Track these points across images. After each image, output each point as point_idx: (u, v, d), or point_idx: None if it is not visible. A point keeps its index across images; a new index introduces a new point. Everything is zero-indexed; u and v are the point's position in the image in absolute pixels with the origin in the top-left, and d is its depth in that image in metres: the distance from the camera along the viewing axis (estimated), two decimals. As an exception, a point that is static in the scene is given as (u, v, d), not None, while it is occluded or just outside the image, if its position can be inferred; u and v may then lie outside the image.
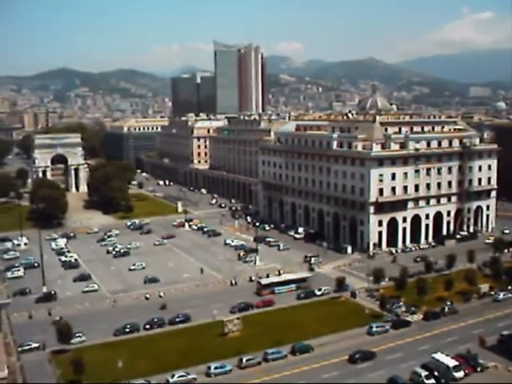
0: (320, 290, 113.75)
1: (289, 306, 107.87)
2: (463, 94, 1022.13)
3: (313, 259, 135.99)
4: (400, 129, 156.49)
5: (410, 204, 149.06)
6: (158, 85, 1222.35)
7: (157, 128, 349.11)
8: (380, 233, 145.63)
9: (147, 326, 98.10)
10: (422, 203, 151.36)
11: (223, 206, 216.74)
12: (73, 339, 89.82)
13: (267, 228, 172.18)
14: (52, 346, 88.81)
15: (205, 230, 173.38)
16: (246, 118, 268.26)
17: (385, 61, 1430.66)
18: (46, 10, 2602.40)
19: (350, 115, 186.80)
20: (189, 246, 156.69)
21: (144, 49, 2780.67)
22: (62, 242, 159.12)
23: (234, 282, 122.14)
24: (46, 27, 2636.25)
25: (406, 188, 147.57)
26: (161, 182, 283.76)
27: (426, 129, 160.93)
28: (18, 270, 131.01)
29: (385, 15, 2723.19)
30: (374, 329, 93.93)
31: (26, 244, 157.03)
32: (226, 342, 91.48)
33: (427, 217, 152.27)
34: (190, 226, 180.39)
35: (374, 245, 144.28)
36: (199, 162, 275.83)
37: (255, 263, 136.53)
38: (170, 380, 77.83)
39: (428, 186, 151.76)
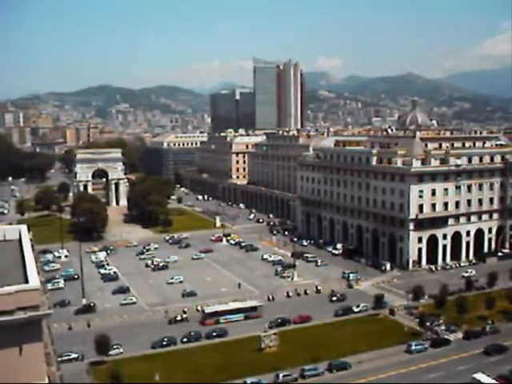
0: (358, 306, 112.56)
1: (326, 323, 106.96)
2: (505, 109, 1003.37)
3: (351, 276, 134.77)
4: (440, 144, 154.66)
5: (451, 221, 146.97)
6: (197, 101, 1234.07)
7: (196, 144, 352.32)
8: (420, 250, 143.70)
9: (184, 340, 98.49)
10: (462, 220, 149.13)
11: (261, 221, 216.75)
12: (111, 351, 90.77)
13: (305, 243, 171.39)
14: (90, 357, 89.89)
15: (242, 244, 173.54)
16: (285, 133, 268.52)
17: (425, 76, 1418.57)
18: (89, 29, 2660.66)
19: (389, 131, 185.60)
20: (226, 260, 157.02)
21: (185, 65, 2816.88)
22: (101, 254, 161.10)
23: (271, 297, 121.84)
24: (89, 45, 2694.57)
25: (446, 204, 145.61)
26: (200, 197, 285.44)
27: (467, 144, 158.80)
28: (59, 282, 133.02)
29: (424, 31, 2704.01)
30: (413, 347, 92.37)
31: (66, 256, 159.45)
32: (263, 357, 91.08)
33: (468, 234, 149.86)
34: (227, 240, 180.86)
35: (414, 262, 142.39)
36: (238, 177, 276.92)
37: (293, 279, 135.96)
38: (207, 394, 77.82)
39: (469, 202, 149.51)
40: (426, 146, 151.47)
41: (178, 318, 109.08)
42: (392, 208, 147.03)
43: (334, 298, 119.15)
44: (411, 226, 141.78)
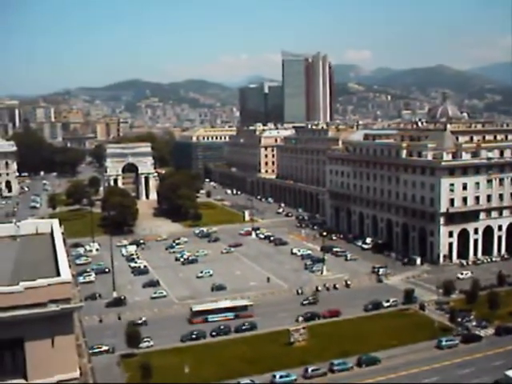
0: (388, 301, 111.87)
1: (356, 317, 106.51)
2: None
3: (381, 270, 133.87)
4: (472, 137, 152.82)
5: (482, 215, 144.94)
6: (226, 95, 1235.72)
7: (225, 137, 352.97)
8: (450, 244, 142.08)
9: (213, 333, 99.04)
10: (494, 214, 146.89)
11: (290, 215, 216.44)
12: (141, 344, 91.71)
13: (334, 238, 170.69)
14: (121, 350, 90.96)
15: (271, 238, 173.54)
16: (314, 127, 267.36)
17: (455, 68, 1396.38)
18: (119, 24, 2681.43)
19: (419, 124, 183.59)
20: (255, 254, 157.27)
21: (213, 59, 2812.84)
22: (131, 248, 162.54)
23: (300, 291, 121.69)
24: (118, 40, 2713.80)
25: (477, 198, 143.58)
26: (228, 191, 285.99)
27: (498, 137, 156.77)
28: (90, 275, 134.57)
29: (454, 21, 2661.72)
30: (444, 343, 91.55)
31: (97, 250, 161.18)
32: (292, 351, 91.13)
33: (500, 228, 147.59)
34: (256, 234, 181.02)
35: (444, 256, 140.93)
36: (266, 171, 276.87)
37: (322, 273, 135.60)
38: (236, 387, 78.20)
39: (501, 196, 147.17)
40: (457, 138, 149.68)
41: None
42: (422, 202, 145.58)
43: (305, 302, 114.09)
44: (442, 220, 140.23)
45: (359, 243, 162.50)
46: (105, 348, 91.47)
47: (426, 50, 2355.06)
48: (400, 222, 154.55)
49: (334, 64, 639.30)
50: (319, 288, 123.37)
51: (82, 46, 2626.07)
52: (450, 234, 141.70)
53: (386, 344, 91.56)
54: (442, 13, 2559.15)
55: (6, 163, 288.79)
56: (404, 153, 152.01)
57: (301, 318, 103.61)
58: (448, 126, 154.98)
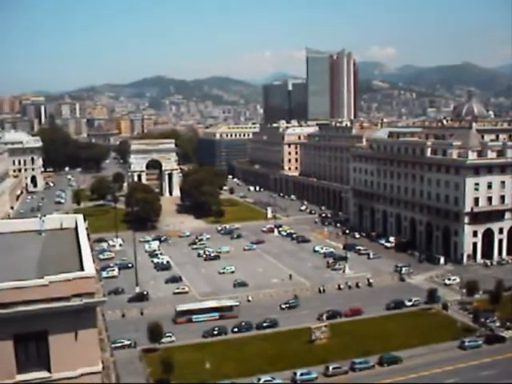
0: (410, 300, 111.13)
1: (378, 316, 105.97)
2: None
3: (404, 269, 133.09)
4: (497, 136, 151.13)
5: (508, 215, 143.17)
6: (249, 91, 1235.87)
7: (248, 135, 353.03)
8: (474, 244, 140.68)
9: (235, 329, 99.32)
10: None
11: (313, 212, 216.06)
12: (163, 339, 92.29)
13: (357, 236, 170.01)
14: (143, 344, 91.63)
15: (294, 236, 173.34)
16: (338, 124, 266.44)
17: (482, 65, 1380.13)
18: (143, 21, 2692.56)
19: (444, 122, 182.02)
20: (278, 251, 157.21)
21: (237, 56, 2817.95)
22: (154, 244, 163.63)
23: (322, 289, 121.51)
24: (143, 37, 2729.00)
25: (503, 198, 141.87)
26: (251, 188, 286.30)
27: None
28: (113, 270, 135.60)
29: (481, 18, 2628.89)
30: (467, 343, 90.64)
31: (120, 245, 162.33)
32: (313, 349, 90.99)
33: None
34: (279, 231, 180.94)
35: (468, 256, 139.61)
36: (290, 168, 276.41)
37: (344, 271, 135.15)
38: (256, 384, 78.34)
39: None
40: (483, 137, 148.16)
41: None
42: (447, 201, 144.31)
43: (284, 306, 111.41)
44: (466, 220, 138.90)
45: (382, 242, 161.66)
46: (127, 342, 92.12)
47: (451, 48, 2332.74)
48: (424, 220, 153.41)
49: (359, 61, 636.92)
50: (341, 286, 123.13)
51: (107, 43, 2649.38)
52: (475, 234, 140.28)
53: (408, 343, 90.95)
54: (468, 9, 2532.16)
55: (32, 159, 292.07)
56: (429, 151, 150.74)
57: (325, 316, 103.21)
58: (473, 124, 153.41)
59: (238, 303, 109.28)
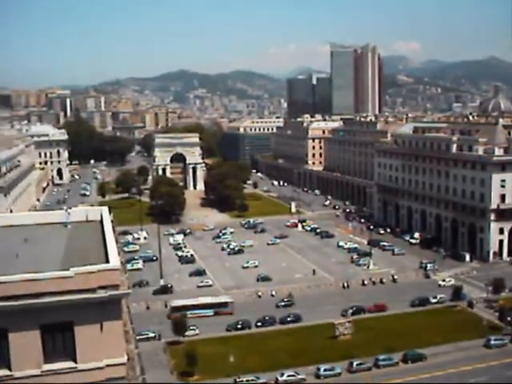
0: (435, 297, 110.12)
1: (402, 313, 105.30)
2: None
3: (428, 266, 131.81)
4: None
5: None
6: (273, 86, 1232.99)
7: (272, 129, 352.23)
8: (501, 241, 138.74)
9: (259, 324, 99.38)
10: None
11: (337, 207, 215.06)
12: (187, 332, 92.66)
13: (381, 232, 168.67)
14: (167, 337, 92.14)
15: (318, 231, 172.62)
16: (362, 119, 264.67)
17: (508, 60, 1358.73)
18: (167, 15, 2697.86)
19: (470, 117, 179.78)
20: (301, 246, 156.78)
21: (261, 50, 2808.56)
22: (179, 237, 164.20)
23: (346, 284, 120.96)
24: (168, 31, 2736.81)
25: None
26: (275, 182, 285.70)
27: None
28: (138, 263, 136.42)
29: (507, 11, 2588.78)
30: (492, 342, 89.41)
31: (145, 238, 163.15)
32: (337, 344, 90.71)
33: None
34: (303, 226, 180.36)
35: (495, 253, 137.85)
36: (313, 163, 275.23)
37: (368, 267, 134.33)
38: (280, 379, 78.32)
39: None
40: (509, 133, 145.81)
41: None
42: (472, 197, 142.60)
43: (282, 304, 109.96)
44: (492, 217, 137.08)
45: (407, 238, 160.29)
46: (151, 335, 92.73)
47: (476, 42, 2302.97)
48: (449, 217, 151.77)
49: (383, 56, 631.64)
50: (365, 282, 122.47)
51: (132, 36, 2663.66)
52: (501, 231, 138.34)
53: (433, 341, 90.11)
54: (494, 3, 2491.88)
55: (58, 151, 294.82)
56: (454, 147, 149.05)
57: (349, 311, 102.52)
58: (500, 120, 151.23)
59: (232, 300, 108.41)
